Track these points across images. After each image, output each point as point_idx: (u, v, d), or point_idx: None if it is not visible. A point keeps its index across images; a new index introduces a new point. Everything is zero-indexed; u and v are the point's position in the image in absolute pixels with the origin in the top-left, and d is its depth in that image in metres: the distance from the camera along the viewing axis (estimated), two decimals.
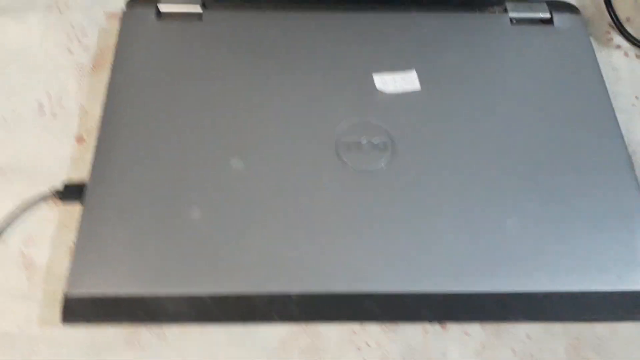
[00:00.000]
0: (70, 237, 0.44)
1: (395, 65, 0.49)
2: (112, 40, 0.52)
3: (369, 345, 0.41)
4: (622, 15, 0.58)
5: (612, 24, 0.57)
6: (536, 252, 0.41)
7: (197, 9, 0.51)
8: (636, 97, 0.54)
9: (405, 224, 0.42)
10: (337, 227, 0.41)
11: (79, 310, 0.38)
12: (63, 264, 0.43)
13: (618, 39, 0.57)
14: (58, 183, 0.46)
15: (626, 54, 0.56)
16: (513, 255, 0.41)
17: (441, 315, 0.39)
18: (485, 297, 0.39)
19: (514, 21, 0.53)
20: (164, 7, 0.52)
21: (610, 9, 0.57)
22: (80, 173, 0.47)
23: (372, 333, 0.41)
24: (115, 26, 0.52)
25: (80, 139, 0.49)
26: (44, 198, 0.45)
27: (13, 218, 0.44)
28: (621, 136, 0.47)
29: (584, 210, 0.43)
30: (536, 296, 0.40)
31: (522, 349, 0.41)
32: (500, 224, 0.42)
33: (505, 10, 0.53)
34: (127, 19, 0.51)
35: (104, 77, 0.49)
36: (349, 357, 0.40)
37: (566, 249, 0.41)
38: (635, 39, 0.57)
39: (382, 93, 0.48)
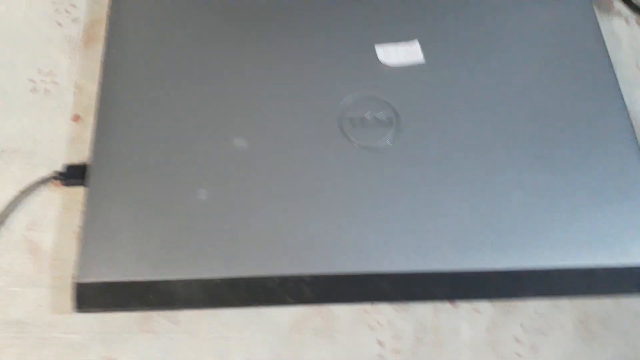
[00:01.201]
0: (74, 220, 0.43)
1: (398, 34, 0.48)
2: (103, 10, 0.49)
3: (380, 324, 0.42)
4: None
5: None
6: (543, 228, 0.42)
7: None
8: (637, 66, 0.54)
9: (412, 201, 0.42)
10: (344, 206, 0.41)
11: (91, 297, 0.38)
12: (69, 248, 0.42)
13: (618, 5, 0.56)
14: (57, 164, 0.45)
15: (627, 21, 0.56)
16: (520, 231, 0.41)
17: (451, 294, 0.40)
18: (494, 275, 0.40)
19: None
20: None
21: None
22: (79, 153, 0.46)
23: (383, 312, 0.42)
24: None
25: (76, 117, 0.47)
26: (45, 181, 0.44)
27: (15, 203, 0.43)
28: (625, 107, 0.47)
29: (589, 183, 0.43)
30: (544, 272, 0.41)
31: (531, 325, 0.42)
32: (506, 199, 0.43)
33: None
34: None
35: (97, 50, 0.48)
36: (362, 336, 0.41)
37: (573, 223, 0.42)
38: (636, 6, 0.56)
39: (385, 65, 0.47)
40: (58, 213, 0.44)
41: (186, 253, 0.39)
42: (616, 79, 0.48)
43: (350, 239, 0.40)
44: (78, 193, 0.43)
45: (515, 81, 0.47)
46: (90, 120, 0.45)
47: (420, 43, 0.48)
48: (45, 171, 0.45)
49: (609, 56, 0.49)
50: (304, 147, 0.43)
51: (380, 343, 0.41)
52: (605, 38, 0.54)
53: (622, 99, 0.47)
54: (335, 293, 0.39)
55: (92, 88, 0.46)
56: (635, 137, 0.46)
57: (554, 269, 0.41)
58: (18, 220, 0.43)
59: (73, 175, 0.43)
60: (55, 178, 0.44)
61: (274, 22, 0.48)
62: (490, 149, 0.44)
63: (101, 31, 0.48)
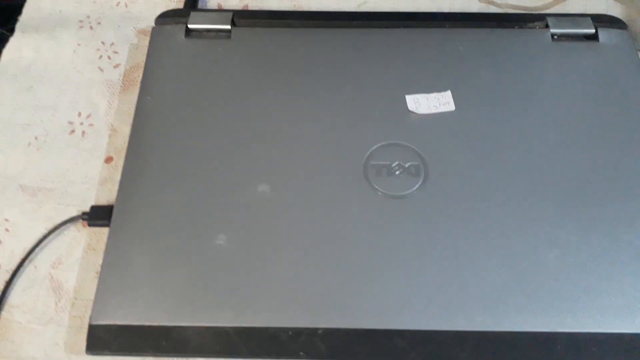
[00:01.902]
0: (98, 260, 0.44)
1: (429, 85, 0.47)
2: (142, 57, 0.51)
3: None
4: None
5: None
6: (581, 289, 0.39)
7: (226, 26, 0.51)
8: None
9: (437, 256, 0.40)
10: (365, 258, 0.40)
11: (104, 339, 0.38)
12: (90, 288, 0.42)
13: None
14: (87, 204, 0.46)
15: None
16: (554, 292, 0.39)
17: (478, 357, 0.37)
18: (525, 337, 0.37)
19: (556, 37, 0.50)
20: (193, 25, 0.51)
21: None
22: (110, 194, 0.47)
23: None
24: (146, 43, 0.52)
25: (109, 159, 0.49)
26: (72, 221, 0.45)
27: (42, 241, 0.44)
28: None
29: (632, 244, 0.40)
30: (581, 337, 0.38)
31: None
32: (540, 257, 0.40)
33: (547, 26, 0.50)
34: (155, 37, 0.51)
35: (133, 95, 0.49)
36: None
37: (612, 285, 0.39)
38: None
39: (414, 114, 0.46)
40: (83, 252, 0.44)
41: (201, 300, 0.38)
42: None
43: (369, 293, 0.39)
44: (104, 234, 0.44)
45: (551, 133, 0.45)
46: (122, 162, 0.46)
47: (452, 92, 0.47)
48: (76, 211, 0.46)
49: None
50: (328, 195, 0.43)
51: None
52: None
53: None
54: (351, 350, 0.37)
55: (127, 131, 0.47)
56: None
57: (590, 334, 0.38)
58: (44, 258, 0.44)
59: (98, 216, 0.44)
60: (82, 218, 0.45)
61: (302, 68, 0.48)
62: (523, 203, 0.42)
63: (139, 77, 0.50)
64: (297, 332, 0.37)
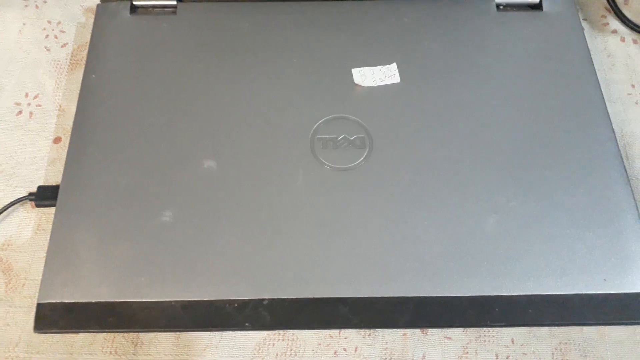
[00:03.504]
0: (47, 240, 0.43)
1: (375, 57, 0.48)
2: (90, 36, 0.51)
3: (346, 351, 0.40)
4: None
5: (608, 8, 0.55)
6: (518, 253, 0.40)
7: (172, 2, 0.50)
8: (632, 86, 0.52)
9: (380, 225, 0.41)
10: (309, 230, 0.41)
11: (51, 317, 0.38)
12: (40, 268, 0.42)
13: (614, 24, 0.55)
14: (36, 185, 0.46)
15: (623, 39, 0.54)
16: (494, 257, 0.40)
17: (419, 321, 0.38)
18: (465, 302, 0.38)
19: (501, 7, 0.51)
20: (138, 1, 0.50)
21: None
22: (59, 175, 0.46)
23: (349, 337, 0.41)
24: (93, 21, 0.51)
25: (57, 140, 0.48)
26: (19, 201, 0.45)
27: None
28: (611, 128, 0.45)
29: (569, 209, 0.42)
30: (518, 300, 0.39)
31: (507, 354, 0.40)
32: (481, 223, 0.41)
33: None
34: (100, 14, 0.50)
35: (82, 75, 0.48)
36: None
37: (550, 249, 0.40)
38: (633, 23, 0.54)
39: (360, 87, 0.46)
40: (33, 234, 0.44)
41: (146, 276, 0.39)
42: (603, 100, 0.46)
43: (312, 263, 0.39)
44: (52, 214, 0.44)
45: (495, 102, 0.46)
46: None
47: (397, 64, 0.47)
48: (24, 192, 0.46)
49: (596, 76, 0.47)
50: (274, 169, 0.43)
51: None
52: (598, 57, 0.53)
53: (609, 120, 0.45)
54: (295, 318, 0.38)
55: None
56: (622, 161, 0.44)
57: (528, 296, 0.39)
58: None
59: (45, 196, 0.44)
60: (29, 199, 0.44)
61: (248, 43, 0.48)
62: (464, 171, 0.43)
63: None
64: (243, 304, 0.38)
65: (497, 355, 0.40)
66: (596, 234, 0.41)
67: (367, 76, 0.47)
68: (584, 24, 0.53)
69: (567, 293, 0.39)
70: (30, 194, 0.45)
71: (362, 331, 0.41)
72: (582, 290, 0.39)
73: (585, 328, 0.42)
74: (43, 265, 0.41)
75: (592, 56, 0.48)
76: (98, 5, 0.51)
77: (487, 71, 0.47)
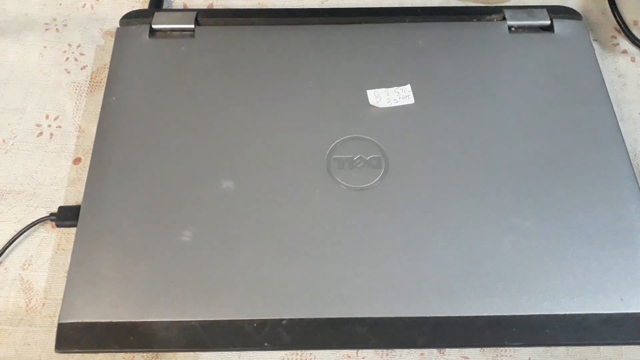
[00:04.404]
0: (68, 260, 0.44)
1: (390, 79, 0.48)
2: (109, 58, 0.52)
3: None
4: (628, 18, 0.56)
5: (618, 28, 0.56)
6: (535, 273, 0.40)
7: (189, 25, 0.51)
8: None
9: (397, 245, 0.41)
10: (327, 249, 0.41)
11: (72, 337, 0.38)
12: (60, 288, 0.43)
13: (624, 44, 0.55)
14: (56, 205, 0.46)
15: (633, 59, 0.55)
16: (511, 277, 0.40)
17: (436, 341, 0.39)
18: (482, 322, 0.39)
19: (513, 29, 0.52)
20: (157, 25, 0.51)
21: (615, 12, 0.55)
22: (79, 195, 0.47)
23: (367, 358, 0.41)
24: (112, 44, 0.52)
25: (77, 160, 0.49)
26: (40, 222, 0.45)
27: (11, 242, 0.45)
28: (624, 148, 0.45)
29: (584, 228, 0.42)
30: (535, 319, 0.39)
31: None
32: (497, 243, 0.41)
33: (504, 18, 0.52)
34: (120, 37, 0.51)
35: (101, 96, 0.49)
36: None
37: (566, 269, 0.40)
38: None
39: (375, 108, 0.47)
40: (53, 253, 0.45)
41: (166, 296, 0.39)
42: (616, 119, 0.47)
43: (331, 283, 0.40)
44: (73, 234, 0.44)
45: (508, 123, 0.47)
46: None
47: (412, 85, 0.48)
48: (45, 213, 0.46)
49: (608, 97, 0.48)
50: (291, 189, 0.44)
51: None
52: (610, 77, 0.53)
53: (622, 139, 0.46)
54: (314, 338, 0.38)
55: (94, 132, 0.48)
56: (636, 180, 0.44)
57: (545, 316, 0.39)
58: (14, 259, 0.45)
59: (66, 216, 0.45)
60: (50, 219, 0.45)
61: (265, 65, 0.49)
62: (479, 192, 0.43)
63: (106, 77, 0.50)
64: (262, 324, 0.39)
65: None
66: (612, 253, 0.41)
67: (382, 97, 0.47)
68: (594, 44, 0.54)
69: (584, 313, 0.39)
70: (51, 214, 0.45)
71: (379, 351, 0.41)
72: (599, 310, 0.39)
73: (602, 348, 0.41)
74: (63, 285, 0.42)
75: (604, 76, 0.49)
76: (118, 29, 0.52)
77: (500, 92, 0.48)
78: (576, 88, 0.48)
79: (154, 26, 0.51)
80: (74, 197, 0.47)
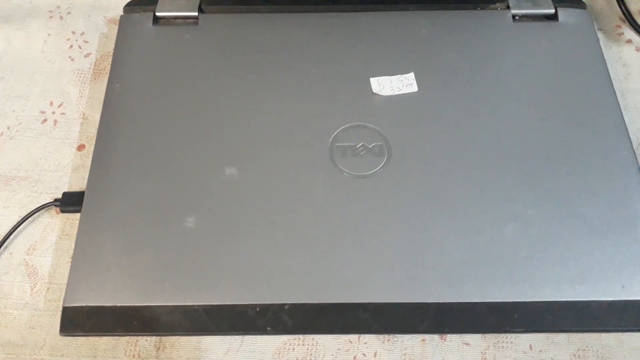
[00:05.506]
0: (72, 245, 0.44)
1: (393, 67, 0.48)
2: (113, 46, 0.52)
3: (365, 356, 0.41)
4: (633, 7, 0.56)
5: (623, 18, 0.55)
6: (537, 260, 0.40)
7: (193, 13, 0.51)
8: None
9: (400, 231, 0.41)
10: (330, 235, 0.41)
11: (77, 320, 0.39)
12: (64, 272, 0.44)
13: (629, 33, 0.55)
14: (60, 192, 0.47)
15: (637, 49, 0.54)
16: (513, 263, 0.40)
17: (438, 327, 0.39)
18: (484, 308, 0.39)
19: (517, 18, 0.51)
20: (160, 12, 0.51)
21: (620, 2, 0.55)
22: (83, 181, 0.47)
23: (369, 343, 0.41)
24: (116, 32, 0.52)
25: (81, 147, 0.50)
26: (44, 207, 0.46)
27: (16, 228, 0.45)
28: (628, 137, 0.45)
29: (587, 216, 0.42)
30: (537, 306, 0.39)
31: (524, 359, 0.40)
32: (500, 231, 0.41)
33: (508, 7, 0.52)
34: (124, 25, 0.51)
35: (105, 83, 0.50)
36: None
37: (568, 256, 0.40)
38: None
39: (378, 96, 0.47)
40: (57, 239, 0.45)
41: (170, 280, 0.40)
42: (619, 108, 0.47)
43: (333, 269, 0.40)
44: (78, 220, 0.45)
45: (512, 111, 0.47)
46: None
47: (415, 73, 0.48)
48: (49, 198, 0.47)
49: (612, 86, 0.48)
50: (294, 176, 0.44)
51: None
52: (614, 67, 0.53)
53: (626, 128, 0.46)
54: (316, 323, 0.39)
55: (98, 119, 0.48)
56: (639, 169, 0.44)
57: (546, 303, 0.39)
58: (19, 245, 0.45)
59: (71, 202, 0.45)
60: (54, 205, 0.45)
61: (269, 52, 0.49)
62: (483, 180, 0.43)
63: (109, 65, 0.51)
64: (264, 308, 0.39)
65: None
66: (614, 241, 0.41)
67: (385, 85, 0.47)
68: (598, 34, 0.54)
69: (586, 299, 0.39)
70: (56, 200, 0.46)
71: (381, 336, 0.41)
72: (600, 297, 0.39)
73: (604, 335, 0.42)
74: (67, 269, 0.42)
75: (608, 66, 0.49)
76: (121, 17, 0.52)
77: (503, 81, 0.48)
78: (580, 77, 0.48)
79: (157, 14, 0.51)
80: (78, 184, 0.48)
